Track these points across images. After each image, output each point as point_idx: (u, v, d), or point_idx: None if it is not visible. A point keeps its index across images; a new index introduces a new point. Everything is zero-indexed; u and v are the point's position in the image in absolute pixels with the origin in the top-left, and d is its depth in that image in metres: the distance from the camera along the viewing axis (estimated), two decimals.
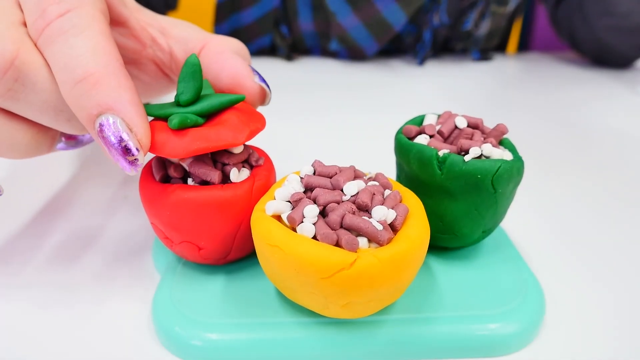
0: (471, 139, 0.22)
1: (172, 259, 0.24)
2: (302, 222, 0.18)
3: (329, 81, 0.59)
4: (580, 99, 0.54)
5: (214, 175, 0.21)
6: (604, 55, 0.65)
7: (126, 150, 0.18)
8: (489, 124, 0.25)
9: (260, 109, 0.23)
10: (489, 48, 0.70)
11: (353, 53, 0.65)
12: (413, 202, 0.20)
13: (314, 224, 0.18)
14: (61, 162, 0.38)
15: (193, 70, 0.20)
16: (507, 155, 0.22)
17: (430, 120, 0.24)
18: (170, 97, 0.25)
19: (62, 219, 0.30)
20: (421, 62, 0.65)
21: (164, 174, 0.22)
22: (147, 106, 0.21)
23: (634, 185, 0.35)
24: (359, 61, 0.67)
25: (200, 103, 0.21)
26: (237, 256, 0.23)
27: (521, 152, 0.24)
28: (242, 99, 0.22)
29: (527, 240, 0.28)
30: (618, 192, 0.34)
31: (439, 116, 0.24)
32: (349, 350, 0.20)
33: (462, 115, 0.23)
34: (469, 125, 0.23)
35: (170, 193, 0.21)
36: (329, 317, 0.20)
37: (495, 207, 0.22)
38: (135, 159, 0.19)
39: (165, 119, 0.21)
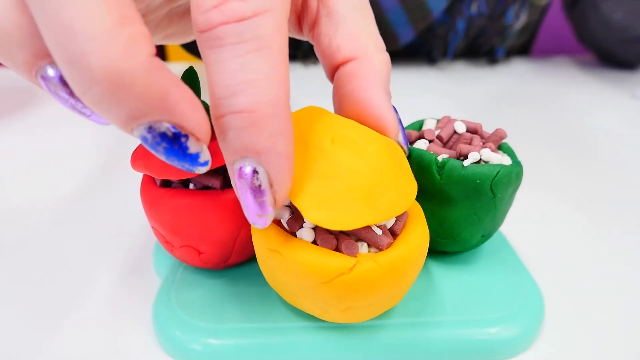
0: (470, 143, 0.23)
1: (172, 263, 0.24)
2: (302, 226, 0.18)
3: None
4: (579, 103, 0.54)
5: (216, 181, 0.21)
6: (611, 58, 0.67)
7: (259, 205, 0.15)
8: (488, 128, 0.25)
9: None
10: (514, 47, 0.69)
11: (386, 41, 0.64)
12: (412, 207, 0.20)
13: (313, 228, 0.18)
14: (61, 164, 0.38)
15: (192, 83, 0.20)
16: (506, 160, 0.22)
17: (429, 125, 0.24)
18: None
19: (63, 223, 0.30)
20: (452, 53, 0.65)
21: None
22: None
23: (632, 190, 0.35)
24: None
25: None
26: (237, 261, 0.23)
27: (520, 157, 0.24)
28: None
29: (526, 244, 0.28)
30: (617, 197, 0.34)
31: (438, 121, 0.25)
32: (348, 354, 0.20)
33: (461, 120, 0.23)
34: (467, 130, 0.23)
35: (171, 197, 0.21)
36: (328, 321, 0.20)
37: (495, 211, 0.22)
38: (264, 217, 0.16)
39: None
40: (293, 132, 0.15)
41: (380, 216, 0.16)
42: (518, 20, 0.64)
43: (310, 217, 0.16)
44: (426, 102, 0.54)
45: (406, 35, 0.62)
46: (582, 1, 0.64)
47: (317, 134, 0.18)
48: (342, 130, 0.18)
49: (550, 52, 0.75)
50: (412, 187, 0.18)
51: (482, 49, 0.69)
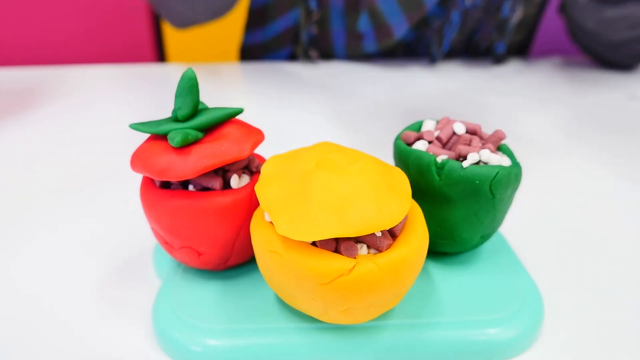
0: (469, 144, 0.23)
1: (172, 264, 0.24)
2: None
3: (335, 84, 0.59)
4: (578, 103, 0.54)
5: (215, 183, 0.21)
6: (603, 61, 0.67)
7: None
8: (487, 129, 0.25)
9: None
10: (514, 42, 0.69)
11: (381, 34, 0.63)
12: (412, 208, 0.20)
13: None
14: (61, 164, 0.38)
15: (190, 84, 0.20)
16: (505, 161, 0.22)
17: (428, 126, 0.24)
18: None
19: (62, 223, 0.30)
20: (448, 46, 0.64)
21: None
22: (143, 124, 0.21)
23: (631, 191, 0.35)
24: (369, 62, 0.66)
25: (198, 117, 0.21)
26: (237, 262, 0.23)
27: (519, 158, 0.24)
28: (240, 112, 0.22)
29: (526, 245, 0.28)
30: (616, 197, 0.34)
31: (437, 122, 0.25)
32: (348, 355, 0.20)
33: (460, 121, 0.23)
34: (467, 131, 0.23)
35: (170, 199, 0.21)
36: (328, 322, 0.20)
37: (494, 212, 0.22)
38: None
39: (163, 136, 0.21)
40: None
41: (349, 230, 0.17)
42: (514, 13, 0.64)
43: (280, 230, 0.17)
44: (427, 103, 0.54)
45: (400, 26, 0.62)
46: (565, 7, 0.64)
47: (306, 159, 0.19)
48: (329, 155, 0.19)
49: (549, 53, 0.75)
50: (401, 204, 0.18)
51: (481, 45, 0.69)
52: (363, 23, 0.63)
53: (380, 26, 0.62)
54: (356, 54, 0.67)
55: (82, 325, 0.22)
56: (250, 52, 0.72)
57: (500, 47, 0.67)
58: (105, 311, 0.23)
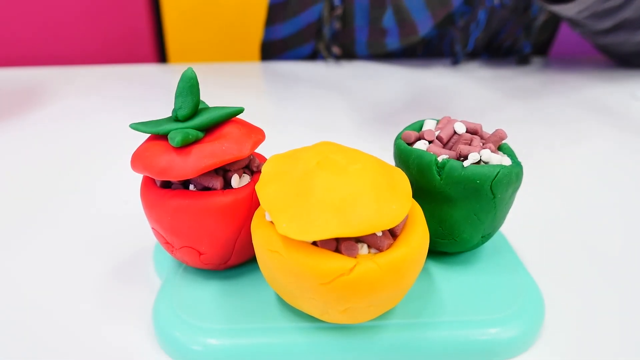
0: (470, 144, 0.23)
1: (173, 264, 0.24)
2: None
3: (343, 84, 0.59)
4: (580, 103, 0.54)
5: (216, 182, 0.21)
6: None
7: None
8: (488, 128, 0.25)
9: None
10: (536, 44, 0.69)
11: (405, 31, 0.63)
12: (412, 208, 0.20)
13: None
14: (61, 164, 0.38)
15: (190, 84, 0.20)
16: (506, 161, 0.22)
17: (429, 125, 0.24)
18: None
19: (62, 223, 0.30)
20: (473, 45, 0.64)
21: None
22: (144, 123, 0.21)
23: (632, 191, 0.35)
24: (390, 61, 0.66)
25: (199, 117, 0.21)
26: (238, 261, 0.23)
27: (520, 157, 0.24)
28: (240, 111, 0.22)
29: (527, 245, 0.28)
30: (617, 197, 0.34)
31: (438, 121, 0.25)
32: (348, 355, 0.20)
33: (461, 121, 0.23)
34: (467, 131, 0.23)
35: (171, 198, 0.21)
36: (328, 322, 0.20)
37: (495, 212, 0.22)
38: None
39: (163, 136, 0.21)
40: None
41: (350, 229, 0.17)
42: (542, 13, 0.63)
43: (280, 229, 0.17)
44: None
45: (425, 23, 0.61)
46: None
47: (307, 159, 0.19)
48: (330, 154, 0.19)
49: (569, 52, 0.74)
50: (402, 204, 0.18)
51: (504, 44, 0.68)
52: (388, 19, 0.62)
53: (405, 23, 0.62)
54: (378, 52, 0.67)
55: (82, 325, 0.22)
56: (271, 48, 0.69)
57: (527, 47, 0.67)
58: (106, 311, 0.23)
